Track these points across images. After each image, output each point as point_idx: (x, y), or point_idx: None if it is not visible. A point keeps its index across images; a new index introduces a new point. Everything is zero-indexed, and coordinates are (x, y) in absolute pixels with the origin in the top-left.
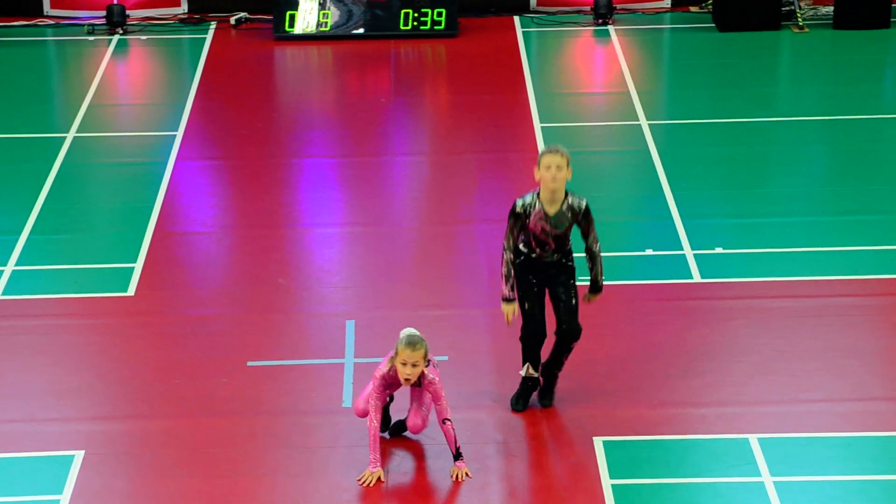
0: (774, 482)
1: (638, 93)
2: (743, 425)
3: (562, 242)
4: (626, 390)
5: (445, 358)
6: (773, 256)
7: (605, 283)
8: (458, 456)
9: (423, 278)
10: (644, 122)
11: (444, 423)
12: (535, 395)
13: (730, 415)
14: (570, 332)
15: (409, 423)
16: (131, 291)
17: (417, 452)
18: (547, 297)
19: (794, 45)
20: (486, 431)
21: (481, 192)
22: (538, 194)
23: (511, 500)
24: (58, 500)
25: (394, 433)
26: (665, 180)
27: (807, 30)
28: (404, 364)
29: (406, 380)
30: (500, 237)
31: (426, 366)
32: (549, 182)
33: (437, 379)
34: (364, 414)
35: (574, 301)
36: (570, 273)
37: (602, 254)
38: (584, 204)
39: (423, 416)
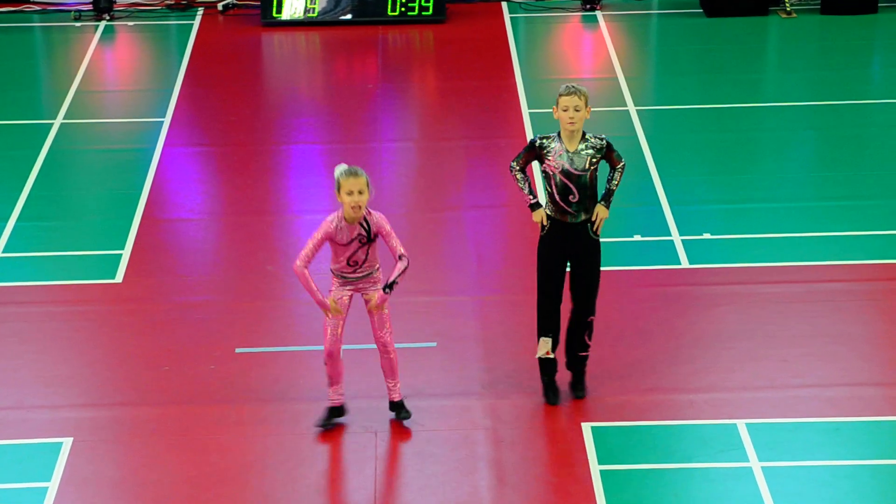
0: (762, 467)
1: (626, 78)
2: (731, 411)
3: (585, 190)
4: (615, 376)
5: (434, 344)
6: (761, 242)
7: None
8: (390, 287)
9: (411, 265)
10: (632, 108)
11: (400, 258)
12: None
13: (718, 400)
14: (582, 311)
15: (376, 338)
16: (119, 278)
17: (407, 438)
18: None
19: (782, 31)
20: (474, 418)
21: (470, 178)
22: (559, 133)
23: (499, 486)
24: (46, 487)
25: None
26: (653, 166)
27: (794, 15)
28: (350, 194)
29: (354, 208)
30: (489, 224)
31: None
32: (567, 123)
33: (384, 218)
34: (297, 271)
35: (595, 282)
36: (596, 252)
37: (623, 174)
38: (604, 141)
39: (387, 330)
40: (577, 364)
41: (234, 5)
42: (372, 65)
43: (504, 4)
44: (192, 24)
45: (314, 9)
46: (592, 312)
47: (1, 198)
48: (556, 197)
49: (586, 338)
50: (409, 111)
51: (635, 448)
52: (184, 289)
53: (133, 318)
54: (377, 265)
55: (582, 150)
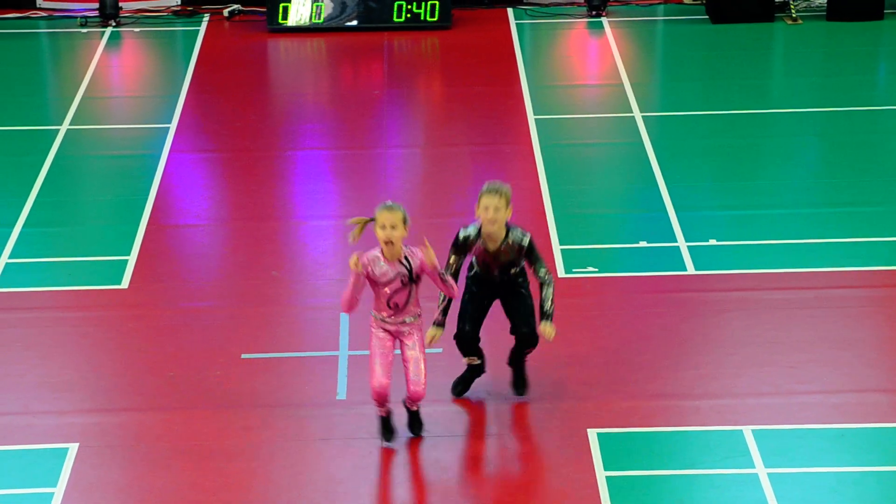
0: (768, 473)
1: (631, 85)
2: (737, 417)
3: (507, 270)
4: (621, 382)
5: (440, 350)
6: (767, 248)
7: (596, 274)
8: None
9: None
10: (638, 114)
11: (442, 277)
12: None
13: (724, 406)
14: (524, 338)
15: (411, 390)
16: (125, 284)
17: (416, 446)
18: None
19: (788, 37)
20: (480, 423)
21: (475, 184)
22: (480, 230)
23: (505, 492)
24: (52, 493)
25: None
26: (658, 172)
27: (800, 21)
28: (383, 228)
29: (387, 243)
30: None
31: (405, 231)
32: (487, 224)
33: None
34: (348, 306)
35: (529, 305)
36: (523, 285)
37: (553, 284)
38: (526, 241)
39: (421, 381)
40: (518, 368)
41: (239, 11)
42: (378, 71)
43: (510, 11)
44: (198, 30)
45: (320, 15)
46: (532, 344)
47: (7, 204)
48: (479, 266)
49: (525, 357)
50: (414, 117)
51: (641, 454)
52: (190, 294)
53: (139, 324)
54: (419, 312)
55: (503, 249)
